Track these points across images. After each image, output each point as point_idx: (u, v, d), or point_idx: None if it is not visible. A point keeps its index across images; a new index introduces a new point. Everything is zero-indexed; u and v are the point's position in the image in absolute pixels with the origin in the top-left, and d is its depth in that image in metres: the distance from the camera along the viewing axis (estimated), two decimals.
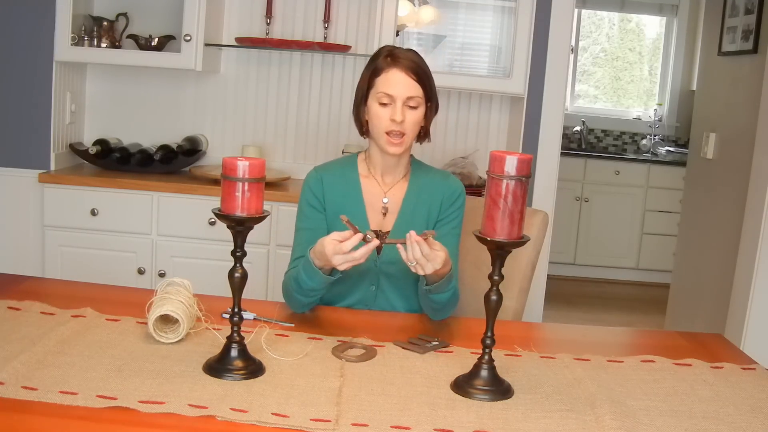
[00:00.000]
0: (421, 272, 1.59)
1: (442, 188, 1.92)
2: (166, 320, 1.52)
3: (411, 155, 1.97)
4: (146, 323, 1.50)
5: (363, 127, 1.89)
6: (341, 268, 1.58)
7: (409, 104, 1.80)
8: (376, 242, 1.57)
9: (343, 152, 3.12)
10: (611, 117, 6.16)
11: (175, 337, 1.50)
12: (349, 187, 1.90)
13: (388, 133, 1.80)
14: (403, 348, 1.58)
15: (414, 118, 1.81)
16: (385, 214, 1.90)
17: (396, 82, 1.79)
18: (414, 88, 1.80)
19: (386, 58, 1.82)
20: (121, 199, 2.99)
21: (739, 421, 1.33)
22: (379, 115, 1.80)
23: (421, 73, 1.81)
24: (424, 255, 1.56)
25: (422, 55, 1.90)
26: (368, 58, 1.90)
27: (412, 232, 1.56)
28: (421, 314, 1.89)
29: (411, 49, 1.88)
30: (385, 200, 1.91)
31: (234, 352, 1.39)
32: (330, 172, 1.92)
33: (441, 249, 1.59)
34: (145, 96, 3.36)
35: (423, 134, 1.90)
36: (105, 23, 3.14)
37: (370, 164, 1.93)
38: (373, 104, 1.82)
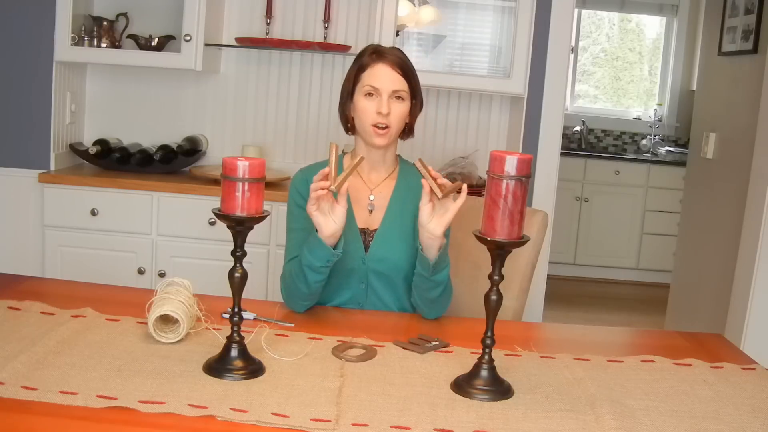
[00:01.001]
0: (444, 217, 1.65)
1: None
2: (166, 320, 1.52)
3: (399, 155, 1.98)
4: (146, 323, 1.50)
5: (348, 123, 1.92)
6: (314, 195, 1.62)
7: (395, 97, 1.82)
8: (333, 153, 1.60)
9: (342, 152, 3.11)
10: (611, 117, 6.16)
11: (175, 337, 1.50)
12: None
13: (373, 125, 1.83)
14: (403, 348, 1.58)
15: (399, 111, 1.83)
16: (371, 212, 1.92)
17: (382, 76, 1.82)
18: (399, 82, 1.83)
19: (371, 54, 1.86)
20: (121, 199, 2.99)
21: (739, 421, 1.33)
22: (365, 109, 1.83)
23: (406, 69, 1.85)
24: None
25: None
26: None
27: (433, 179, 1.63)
28: (420, 314, 1.89)
29: (396, 47, 1.93)
30: (372, 197, 1.92)
31: (234, 352, 1.39)
32: (315, 172, 1.92)
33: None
34: (145, 96, 3.36)
35: (407, 130, 1.93)
36: (105, 23, 3.14)
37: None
38: (359, 98, 1.85)
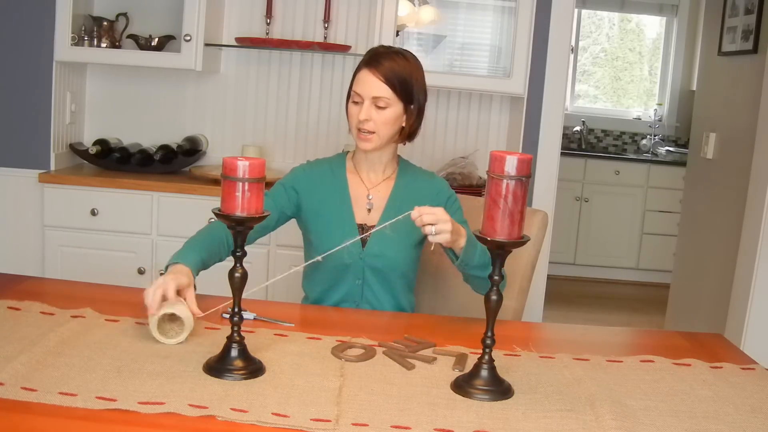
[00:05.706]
0: (441, 240, 1.64)
1: (428, 187, 1.96)
2: (168, 320, 1.52)
3: (399, 156, 1.99)
4: (146, 323, 1.50)
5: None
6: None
7: (377, 104, 1.83)
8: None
9: (343, 152, 3.11)
10: (611, 117, 6.16)
11: (176, 340, 1.49)
12: (336, 183, 1.95)
13: (358, 130, 1.86)
14: (392, 351, 1.56)
15: (382, 117, 1.84)
16: (369, 210, 1.94)
17: (363, 82, 1.84)
18: (381, 89, 1.82)
19: (366, 59, 1.87)
20: (121, 199, 2.99)
21: (739, 421, 1.33)
22: (351, 113, 1.88)
23: (391, 76, 1.82)
24: (427, 213, 1.62)
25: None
26: None
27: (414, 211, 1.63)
28: (422, 314, 1.89)
29: (398, 52, 1.88)
30: (370, 197, 1.94)
31: (234, 352, 1.39)
32: (320, 168, 1.98)
33: (442, 214, 1.65)
34: (145, 96, 3.36)
35: (405, 135, 1.92)
36: (105, 23, 3.14)
37: (355, 161, 1.98)
38: (349, 102, 1.88)
